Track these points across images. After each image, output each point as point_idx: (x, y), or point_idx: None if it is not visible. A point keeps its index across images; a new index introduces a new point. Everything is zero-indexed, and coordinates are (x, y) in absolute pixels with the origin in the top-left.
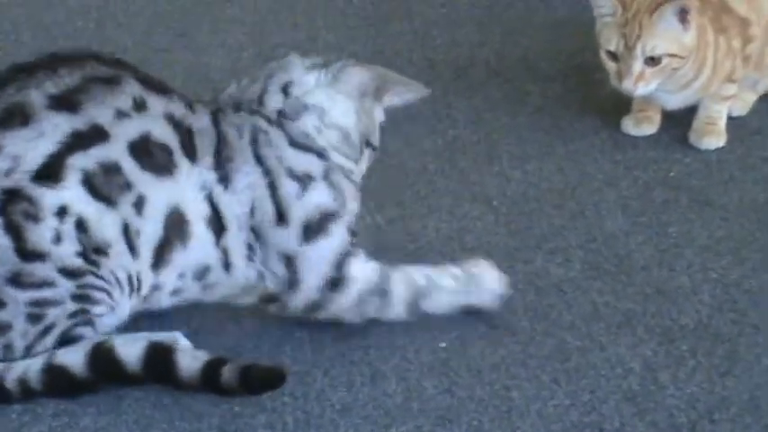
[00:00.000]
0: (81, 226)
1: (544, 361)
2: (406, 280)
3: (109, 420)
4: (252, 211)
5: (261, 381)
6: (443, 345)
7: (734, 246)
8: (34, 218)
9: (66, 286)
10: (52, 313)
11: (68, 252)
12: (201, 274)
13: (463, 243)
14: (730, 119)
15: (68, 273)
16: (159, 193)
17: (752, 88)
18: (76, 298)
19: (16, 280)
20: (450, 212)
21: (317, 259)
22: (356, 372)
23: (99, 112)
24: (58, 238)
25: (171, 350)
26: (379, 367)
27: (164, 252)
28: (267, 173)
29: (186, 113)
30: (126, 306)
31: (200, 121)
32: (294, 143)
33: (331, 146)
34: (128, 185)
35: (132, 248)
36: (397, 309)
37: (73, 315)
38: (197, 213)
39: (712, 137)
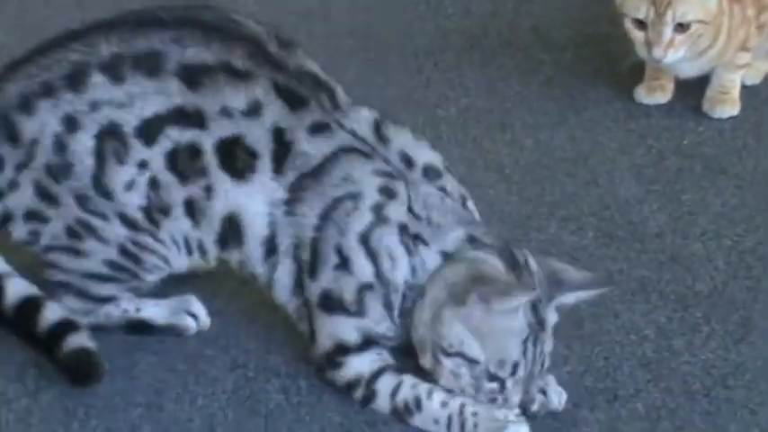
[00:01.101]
0: (154, 183)
1: (558, 327)
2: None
3: (123, 384)
4: (296, 248)
5: (76, 369)
6: None
7: (748, 213)
8: (120, 159)
9: (117, 232)
10: (91, 244)
11: (134, 203)
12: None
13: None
14: (744, 87)
15: (126, 221)
16: (227, 193)
17: (766, 57)
18: (124, 252)
19: (80, 198)
20: (463, 181)
21: (326, 330)
22: None
23: (211, 100)
24: (130, 186)
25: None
26: None
27: (223, 242)
28: (321, 226)
29: (305, 133)
30: (184, 263)
31: (317, 148)
32: (370, 241)
33: (399, 295)
34: (203, 172)
35: (194, 219)
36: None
37: (115, 267)
38: (255, 225)
39: (726, 105)
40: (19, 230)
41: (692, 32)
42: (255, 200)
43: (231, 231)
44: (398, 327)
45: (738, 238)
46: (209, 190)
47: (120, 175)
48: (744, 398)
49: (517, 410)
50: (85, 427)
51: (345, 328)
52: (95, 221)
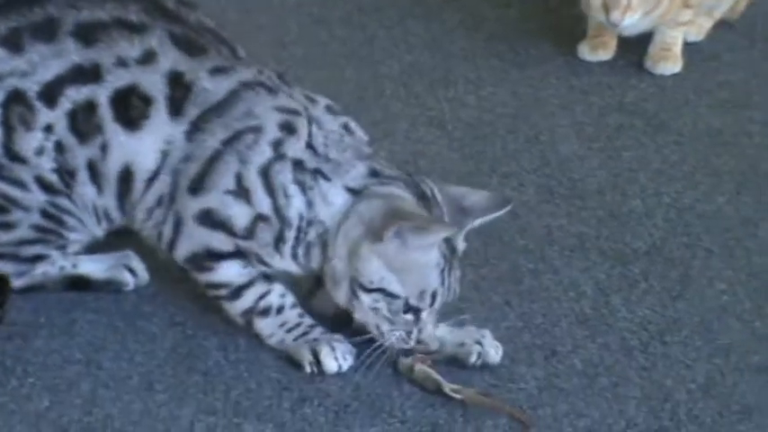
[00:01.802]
0: (59, 147)
1: (496, 283)
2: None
3: (62, 342)
4: (183, 160)
5: None
6: None
7: (687, 170)
8: (27, 125)
9: (38, 197)
10: (17, 214)
11: (46, 166)
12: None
13: (418, 166)
14: (686, 44)
15: (43, 185)
16: (121, 146)
17: (708, 14)
18: (47, 215)
19: None
20: (405, 136)
21: (196, 239)
22: None
23: (106, 54)
24: (40, 151)
25: None
26: None
27: (121, 203)
28: (222, 151)
29: (204, 74)
30: (99, 231)
31: (219, 85)
32: (267, 174)
33: (293, 230)
34: (99, 129)
35: (98, 185)
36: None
37: (39, 229)
38: (145, 167)
39: (668, 62)
40: None
41: None
42: (147, 146)
43: (125, 185)
44: (289, 259)
45: (677, 195)
46: (104, 148)
47: (29, 142)
48: (680, 353)
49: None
50: (23, 384)
51: (223, 242)
52: (15, 192)
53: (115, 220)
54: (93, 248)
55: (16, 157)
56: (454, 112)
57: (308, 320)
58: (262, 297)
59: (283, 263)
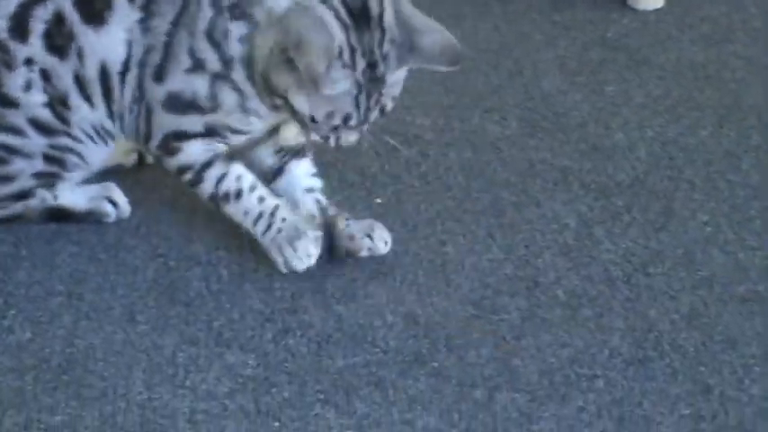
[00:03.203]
0: (45, 74)
1: (479, 216)
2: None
3: (43, 274)
4: (145, 53)
5: None
6: (379, 200)
7: (670, 104)
8: (8, 65)
9: (37, 141)
10: (18, 165)
11: (37, 101)
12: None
13: (401, 100)
14: None
15: (39, 126)
16: (93, 46)
17: None
18: (48, 159)
19: None
20: None
21: (166, 126)
22: None
23: None
24: (28, 86)
25: None
26: None
27: (111, 103)
28: (174, 33)
29: None
30: (98, 157)
31: None
32: (211, 34)
33: (239, 61)
34: (71, 36)
35: (87, 98)
36: (202, 192)
37: (40, 176)
38: (117, 60)
39: None
40: None
41: None
42: (115, 37)
43: (105, 86)
44: (253, 112)
45: (660, 128)
46: (80, 54)
47: (15, 80)
48: (664, 285)
49: (319, 232)
50: (5, 316)
51: (192, 122)
52: (14, 140)
53: (114, 135)
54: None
55: (5, 101)
56: None
57: (269, 204)
58: (220, 180)
59: (259, 118)
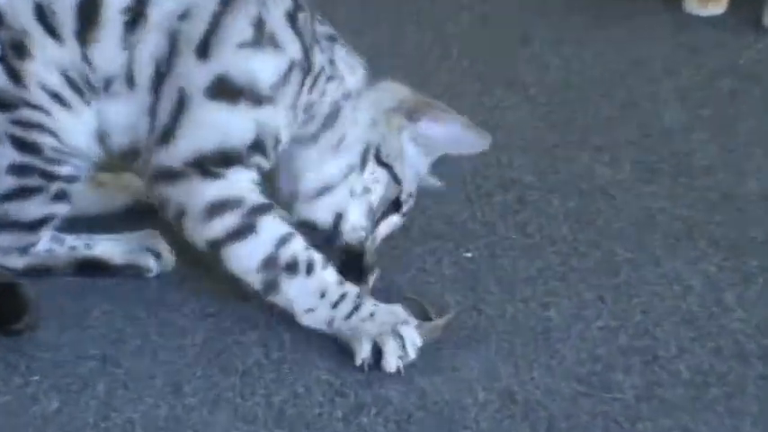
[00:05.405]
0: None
1: (588, 275)
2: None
3: (73, 335)
4: (182, 17)
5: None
6: (469, 255)
7: None
8: None
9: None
10: None
11: None
12: (107, 83)
13: (495, 138)
14: None
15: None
16: None
17: None
18: (16, 142)
19: None
20: (479, 101)
21: (207, 125)
22: None
23: None
24: None
25: None
26: (394, 278)
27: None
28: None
29: None
30: (76, 137)
31: None
32: (297, 23)
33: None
34: None
35: (53, 32)
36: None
37: (17, 170)
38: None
39: None
40: None
41: None
42: None
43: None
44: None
45: None
46: None
47: None
48: None
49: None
50: (28, 383)
51: (241, 124)
52: None
53: (96, 88)
54: (110, 228)
55: None
56: (535, 72)
57: (351, 287)
58: (284, 241)
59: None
